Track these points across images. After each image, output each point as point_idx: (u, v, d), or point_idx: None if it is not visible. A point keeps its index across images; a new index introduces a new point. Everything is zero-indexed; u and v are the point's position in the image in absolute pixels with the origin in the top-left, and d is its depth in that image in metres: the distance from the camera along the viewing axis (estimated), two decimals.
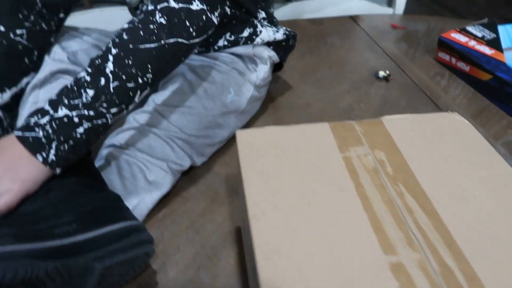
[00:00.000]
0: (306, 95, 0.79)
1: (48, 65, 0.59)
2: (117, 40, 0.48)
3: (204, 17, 0.52)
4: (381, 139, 0.43)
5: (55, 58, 0.60)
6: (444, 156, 0.41)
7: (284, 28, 0.75)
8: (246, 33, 0.69)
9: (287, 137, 0.43)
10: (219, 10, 0.56)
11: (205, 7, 0.52)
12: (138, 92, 0.49)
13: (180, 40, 0.50)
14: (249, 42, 0.70)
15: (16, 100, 0.59)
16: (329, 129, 0.44)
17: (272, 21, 0.74)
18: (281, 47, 0.75)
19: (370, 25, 1.07)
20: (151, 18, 0.49)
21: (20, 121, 0.56)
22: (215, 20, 0.54)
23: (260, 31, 0.70)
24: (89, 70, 0.47)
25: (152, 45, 0.48)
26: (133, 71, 0.48)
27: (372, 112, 0.74)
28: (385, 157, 0.41)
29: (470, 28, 0.88)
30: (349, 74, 0.86)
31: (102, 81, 0.47)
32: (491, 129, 0.71)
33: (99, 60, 0.47)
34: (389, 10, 1.22)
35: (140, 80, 0.48)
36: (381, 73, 0.84)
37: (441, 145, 0.42)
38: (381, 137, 0.43)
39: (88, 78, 0.47)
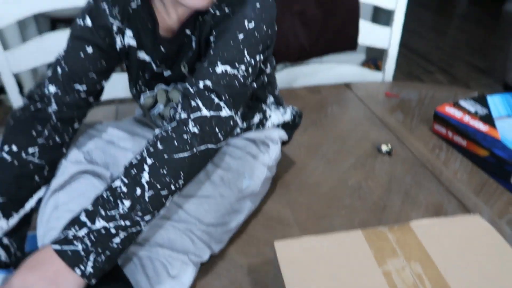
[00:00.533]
0: (315, 174, 0.81)
1: (67, 168, 0.59)
2: (151, 149, 0.50)
3: (231, 122, 0.54)
4: (415, 249, 0.45)
5: (72, 160, 0.60)
6: (476, 266, 0.43)
7: (291, 107, 0.78)
8: (257, 119, 0.72)
9: (325, 248, 0.45)
10: (241, 109, 0.59)
11: (232, 113, 0.54)
12: (170, 197, 0.50)
13: (210, 146, 0.52)
14: (260, 126, 0.72)
15: (25, 220, 0.57)
16: (363, 238, 0.46)
17: (279, 103, 0.77)
18: (289, 126, 0.77)
19: (365, 93, 1.12)
20: (184, 127, 0.51)
21: (40, 228, 0.55)
22: (239, 121, 0.56)
23: (270, 116, 0.73)
24: (125, 180, 0.48)
25: (186, 154, 0.50)
26: (167, 179, 0.49)
27: (380, 190, 0.77)
28: (421, 270, 0.42)
29: (462, 103, 0.93)
30: (353, 148, 0.89)
31: (138, 191, 0.47)
32: (493, 206, 0.74)
33: (135, 170, 0.48)
34: (378, 75, 1.29)
35: (172, 187, 0.50)
36: (384, 148, 0.87)
37: (471, 253, 0.44)
38: (414, 246, 0.45)
39: (124, 189, 0.47)
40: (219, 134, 0.53)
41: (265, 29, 0.57)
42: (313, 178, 0.80)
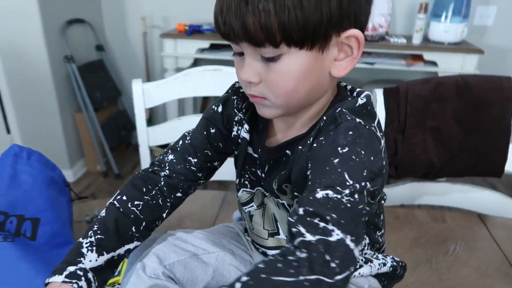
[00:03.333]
0: None
1: (143, 283, 0.60)
2: (249, 270, 0.45)
3: (344, 248, 0.45)
4: None
5: (151, 274, 0.61)
6: None
7: (391, 258, 0.67)
8: None
9: None
10: (361, 239, 0.49)
11: (343, 236, 0.46)
12: None
13: (321, 277, 0.44)
14: None
15: (110, 264, 0.61)
16: None
17: (379, 248, 0.68)
18: (385, 276, 0.67)
19: (503, 234, 0.93)
20: (290, 252, 0.45)
21: None
22: (357, 254, 0.47)
23: (361, 266, 0.63)
24: None
25: (288, 279, 0.43)
26: None
27: None
28: None
29: None
30: None
31: None
32: None
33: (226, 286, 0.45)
34: None
35: None
36: None
37: None
38: None
39: None
40: (332, 263, 0.44)
41: (363, 153, 0.50)
42: None
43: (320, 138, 0.53)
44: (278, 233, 0.67)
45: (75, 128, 2.43)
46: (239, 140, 0.66)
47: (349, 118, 0.52)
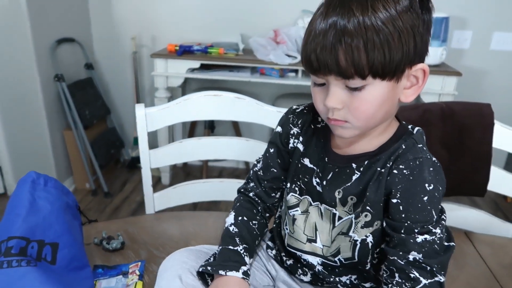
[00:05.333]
0: None
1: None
2: None
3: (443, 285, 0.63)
4: None
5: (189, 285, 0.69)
6: None
7: None
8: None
9: None
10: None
11: (443, 279, 0.63)
12: None
13: None
14: None
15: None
16: None
17: None
18: None
19: (489, 250, 1.00)
20: None
21: None
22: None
23: None
24: None
25: None
26: None
27: None
28: None
29: None
30: None
31: None
32: None
33: None
34: (510, 227, 1.15)
35: None
36: None
37: None
38: None
39: None
40: None
41: (440, 189, 0.63)
42: None
43: (400, 166, 0.63)
44: (315, 241, 0.73)
45: (63, 146, 2.43)
46: (294, 150, 0.75)
47: (428, 156, 0.63)
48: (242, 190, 0.83)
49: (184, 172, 2.82)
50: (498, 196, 2.54)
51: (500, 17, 2.45)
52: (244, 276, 0.68)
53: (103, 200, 2.43)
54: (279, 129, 0.78)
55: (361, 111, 0.60)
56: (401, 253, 0.62)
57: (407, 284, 0.61)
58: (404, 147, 0.64)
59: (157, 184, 2.59)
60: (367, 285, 0.73)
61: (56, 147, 2.35)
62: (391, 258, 0.63)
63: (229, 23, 2.58)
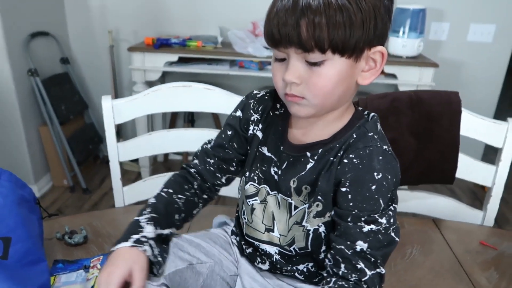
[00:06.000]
0: None
1: None
2: None
3: (383, 278, 0.63)
4: None
5: (154, 285, 0.66)
6: None
7: None
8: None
9: None
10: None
11: (384, 270, 0.63)
12: None
13: None
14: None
15: (161, 240, 0.68)
16: None
17: None
18: None
19: (455, 237, 1.01)
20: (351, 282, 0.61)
21: None
22: None
23: None
24: None
25: None
26: None
27: None
28: None
29: None
30: None
31: None
32: None
33: None
34: (478, 214, 1.16)
35: None
36: None
37: None
38: None
39: None
40: None
41: (389, 177, 0.62)
42: None
43: (351, 155, 0.62)
44: (273, 230, 0.72)
45: (39, 142, 2.38)
46: (253, 138, 0.74)
47: (379, 144, 0.63)
48: (184, 166, 0.80)
49: (165, 167, 2.80)
50: (476, 186, 2.58)
51: (476, 9, 2.47)
52: (135, 244, 0.63)
53: (81, 196, 2.40)
54: (239, 113, 0.77)
55: (319, 87, 0.60)
56: (348, 242, 0.61)
57: (353, 276, 0.61)
58: (355, 136, 0.64)
59: (137, 179, 2.56)
60: (324, 273, 0.73)
61: (31, 144, 2.31)
62: (338, 247, 0.62)
63: (208, 16, 2.56)
